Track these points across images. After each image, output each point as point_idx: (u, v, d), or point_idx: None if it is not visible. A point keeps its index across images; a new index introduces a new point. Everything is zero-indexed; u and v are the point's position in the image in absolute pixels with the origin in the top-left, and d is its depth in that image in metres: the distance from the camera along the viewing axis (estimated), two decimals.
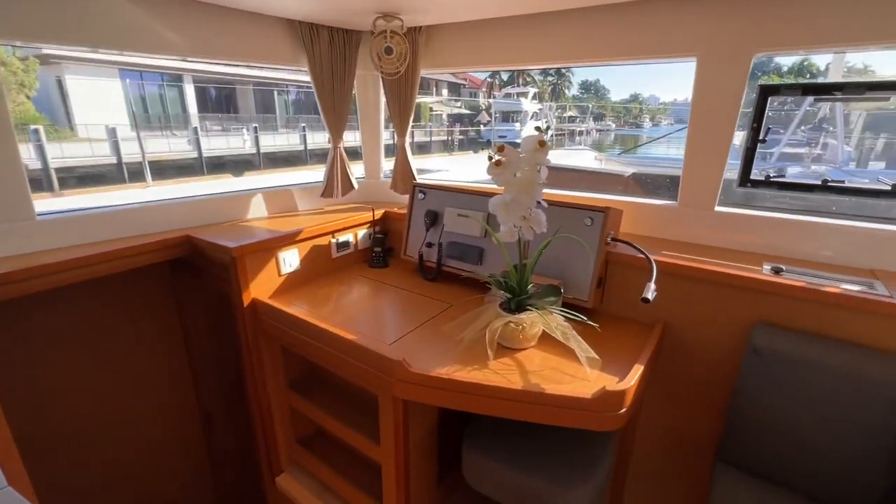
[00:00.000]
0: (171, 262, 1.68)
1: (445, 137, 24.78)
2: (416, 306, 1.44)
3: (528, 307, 1.15)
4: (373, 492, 1.39)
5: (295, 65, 1.75)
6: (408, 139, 1.96)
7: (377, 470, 1.32)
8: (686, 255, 1.37)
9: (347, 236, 1.76)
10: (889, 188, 1.26)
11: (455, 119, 27.83)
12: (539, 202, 1.13)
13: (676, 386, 1.39)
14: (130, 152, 12.45)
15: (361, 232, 1.82)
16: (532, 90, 29.93)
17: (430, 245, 1.66)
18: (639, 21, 1.42)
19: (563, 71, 38.83)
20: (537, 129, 1.08)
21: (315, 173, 2.13)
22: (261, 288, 1.45)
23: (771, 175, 1.41)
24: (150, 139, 15.42)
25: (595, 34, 1.51)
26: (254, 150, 16.60)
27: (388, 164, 2.18)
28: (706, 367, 1.32)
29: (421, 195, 1.70)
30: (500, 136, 23.74)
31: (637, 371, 1.03)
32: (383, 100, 2.04)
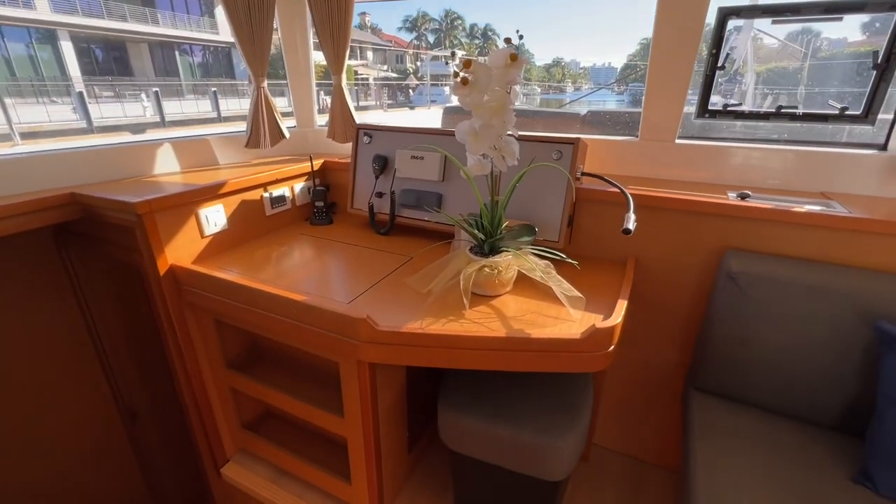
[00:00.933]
0: (56, 230, 1.35)
1: (374, 102, 23.76)
2: (372, 262, 1.28)
3: (503, 249, 1.04)
4: (337, 469, 1.25)
5: None
6: (344, 77, 1.72)
7: (341, 445, 1.18)
8: (643, 185, 1.33)
9: (282, 190, 1.52)
10: (837, 112, 1.29)
11: (383, 84, 26.73)
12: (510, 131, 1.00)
13: (647, 320, 1.37)
14: None
15: (299, 185, 1.59)
16: (460, 53, 29.38)
17: (380, 195, 1.48)
18: None
19: (489, 33, 38.49)
20: (506, 40, 0.93)
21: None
22: (179, 252, 1.20)
23: (728, 105, 1.39)
24: (23, 107, 13.11)
25: None
26: (157, 118, 14.73)
27: (321, 118, 1.93)
28: (677, 299, 1.31)
29: (366, 138, 1.50)
30: (431, 101, 23.24)
31: (622, 307, 0.97)
32: (312, 31, 1.77)
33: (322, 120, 1.94)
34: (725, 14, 1.31)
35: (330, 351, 1.03)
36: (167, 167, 1.51)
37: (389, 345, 0.93)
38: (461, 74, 0.92)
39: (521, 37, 0.94)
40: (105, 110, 14.14)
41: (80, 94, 13.08)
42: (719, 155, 1.39)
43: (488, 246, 1.04)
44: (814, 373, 1.09)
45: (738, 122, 1.46)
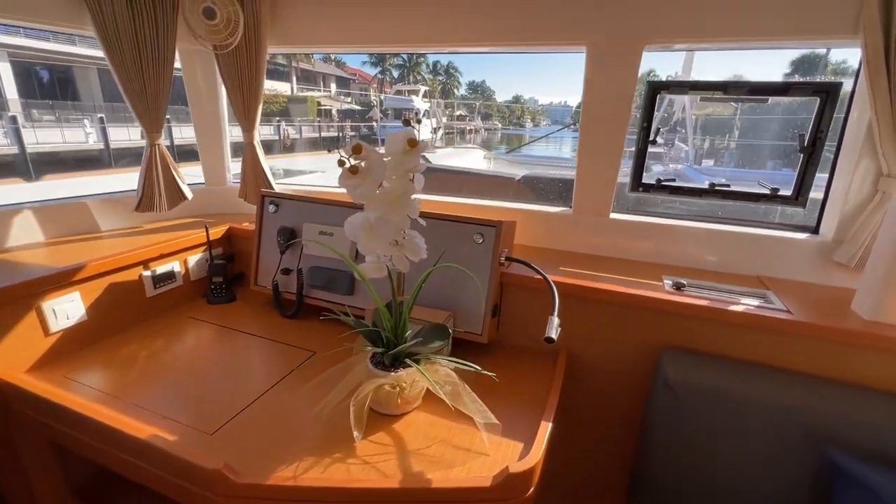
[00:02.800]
0: None
1: (337, 134, 23.70)
2: (266, 359, 1.08)
3: (408, 360, 0.87)
4: None
5: (74, 25, 1.24)
6: (257, 134, 1.55)
7: None
8: (584, 270, 1.22)
9: (171, 265, 1.31)
10: (769, 192, 1.24)
11: (346, 115, 26.82)
12: (415, 220, 0.86)
13: (583, 420, 1.23)
14: None
15: (195, 257, 1.38)
16: (423, 88, 30.07)
17: (287, 272, 1.30)
18: (523, 1, 1.22)
19: (452, 71, 39.85)
20: (405, 121, 0.80)
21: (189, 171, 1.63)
22: (10, 359, 0.96)
23: (662, 179, 1.32)
24: None
25: (473, 14, 1.27)
26: (101, 145, 13.90)
27: (238, 165, 1.74)
28: (614, 398, 1.17)
29: (272, 207, 1.32)
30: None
31: (544, 433, 0.81)
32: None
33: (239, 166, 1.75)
34: (655, 88, 1.25)
35: (185, 498, 0.82)
36: (26, 237, 1.27)
37: (253, 499, 0.73)
38: (349, 161, 0.78)
39: (419, 120, 0.81)
40: (43, 136, 13.22)
41: (13, 117, 12.19)
42: (656, 232, 1.31)
43: (389, 358, 0.87)
44: (760, 492, 0.97)
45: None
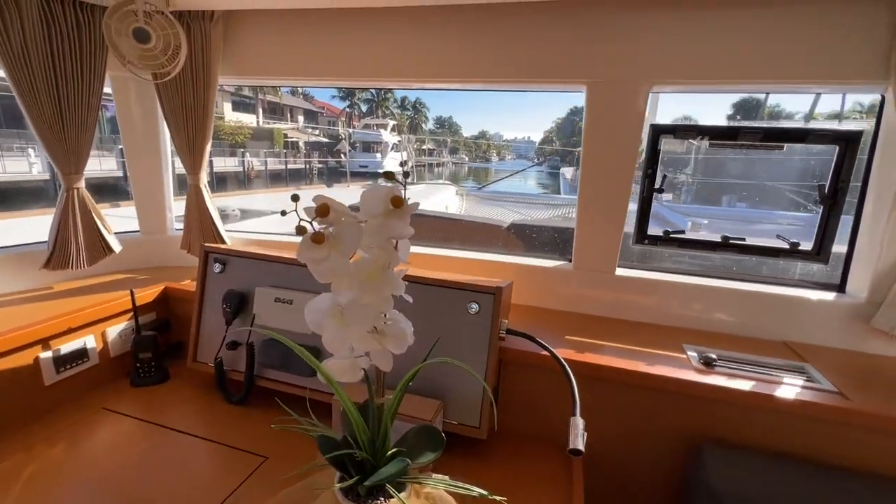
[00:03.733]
0: None
1: (303, 166, 23.40)
2: (197, 473, 0.82)
3: (389, 488, 0.65)
4: None
5: None
6: (205, 176, 1.32)
7: None
8: (591, 338, 1.04)
9: (83, 340, 1.03)
10: (787, 247, 1.12)
11: (313, 147, 26.65)
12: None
13: None
14: None
15: (117, 328, 1.11)
16: (391, 122, 30.46)
17: (234, 346, 1.05)
18: (516, 34, 1.09)
19: (419, 106, 40.78)
20: (387, 176, 0.61)
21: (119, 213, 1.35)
22: None
23: (669, 231, 1.19)
24: None
25: (460, 47, 1.13)
26: (47, 175, 12.97)
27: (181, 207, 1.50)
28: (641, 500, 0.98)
29: (217, 266, 1.09)
30: (362, 167, 23.41)
31: None
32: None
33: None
34: (659, 132, 1.13)
35: None
36: None
37: None
38: (311, 227, 0.57)
39: (406, 174, 0.62)
40: None
41: None
42: (666, 291, 1.16)
43: (364, 490, 0.64)
44: None
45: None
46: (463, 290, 0.91)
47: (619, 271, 1.18)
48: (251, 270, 1.06)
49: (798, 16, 0.93)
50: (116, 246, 1.26)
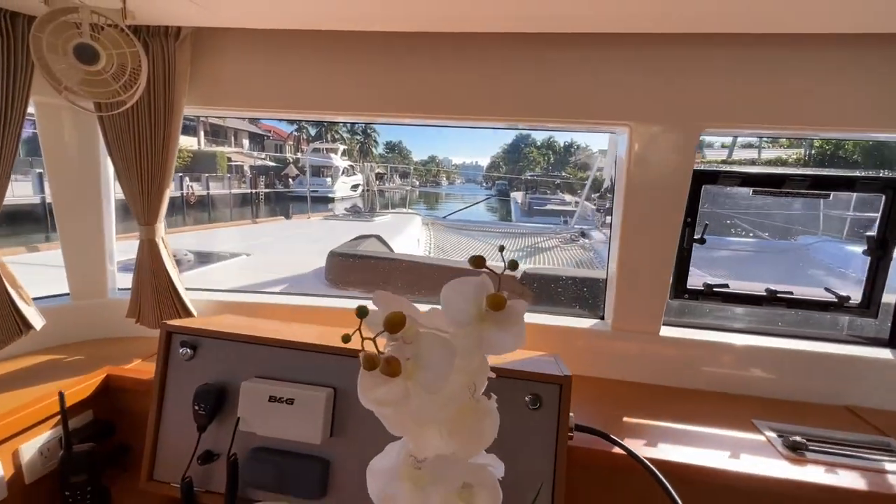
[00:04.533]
0: None
1: (249, 190, 22.34)
2: None
3: None
4: None
5: None
6: (162, 227, 1.06)
7: None
8: (647, 416, 0.90)
9: None
10: (836, 300, 1.05)
11: (259, 171, 25.63)
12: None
13: None
14: None
15: (33, 443, 0.82)
16: (341, 146, 30.06)
17: (209, 458, 0.79)
18: (549, 69, 0.96)
19: (370, 131, 40.77)
20: (476, 262, 0.43)
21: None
22: None
23: (712, 285, 1.08)
24: None
25: (480, 80, 0.98)
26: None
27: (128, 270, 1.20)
28: None
29: (185, 351, 0.83)
30: (312, 192, 22.80)
31: None
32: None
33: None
34: (700, 180, 1.03)
35: None
36: None
37: None
38: (383, 352, 0.37)
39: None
40: None
41: None
42: (716, 352, 1.05)
43: None
44: None
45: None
46: (518, 379, 0.73)
47: (665, 330, 1.05)
48: (232, 355, 0.82)
49: (860, 60, 0.86)
50: (37, 321, 0.96)
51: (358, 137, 40.09)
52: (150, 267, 1.04)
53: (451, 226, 6.42)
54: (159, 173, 1.00)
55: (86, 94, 0.75)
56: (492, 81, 0.97)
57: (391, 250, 4.06)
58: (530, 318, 1.15)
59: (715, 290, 1.08)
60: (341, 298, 1.23)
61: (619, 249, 1.02)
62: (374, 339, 0.36)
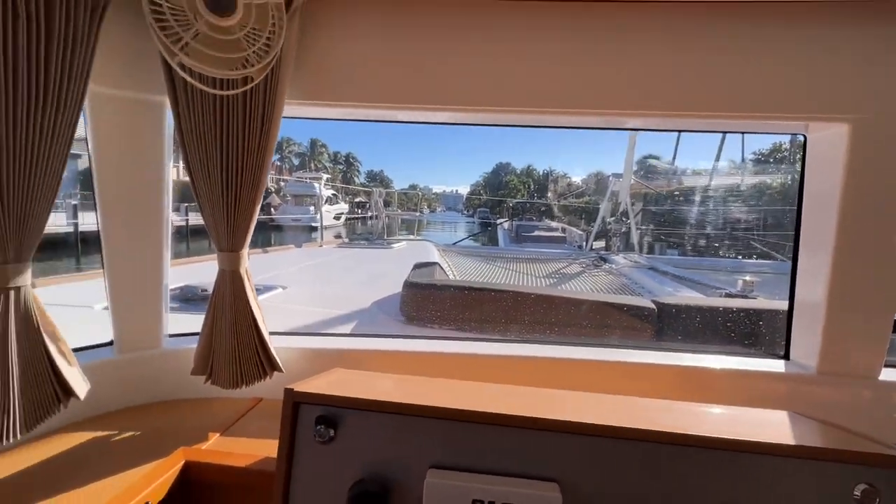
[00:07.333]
0: None
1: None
2: None
3: None
4: None
5: None
6: (246, 256, 0.82)
7: None
8: None
9: None
10: None
11: None
12: None
13: None
14: None
15: None
16: (325, 175, 29.91)
17: None
18: (751, 54, 0.79)
19: (352, 160, 40.85)
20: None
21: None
22: None
23: None
24: None
25: (662, 68, 0.80)
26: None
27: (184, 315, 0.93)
28: None
29: (324, 430, 0.58)
30: (295, 220, 22.48)
31: None
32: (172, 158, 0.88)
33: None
34: None
35: None
36: None
37: None
38: None
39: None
40: None
41: None
42: None
43: None
44: None
45: None
46: (838, 462, 0.51)
47: (886, 373, 0.85)
48: (391, 435, 0.57)
49: None
50: (81, 387, 0.69)
51: (340, 167, 40.09)
52: (230, 306, 0.79)
53: (462, 252, 6.24)
54: (252, 183, 0.76)
55: (208, 61, 0.52)
56: (669, 69, 0.79)
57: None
58: (684, 359, 0.93)
59: None
60: (460, 342, 0.99)
61: (833, 274, 0.83)
62: None
